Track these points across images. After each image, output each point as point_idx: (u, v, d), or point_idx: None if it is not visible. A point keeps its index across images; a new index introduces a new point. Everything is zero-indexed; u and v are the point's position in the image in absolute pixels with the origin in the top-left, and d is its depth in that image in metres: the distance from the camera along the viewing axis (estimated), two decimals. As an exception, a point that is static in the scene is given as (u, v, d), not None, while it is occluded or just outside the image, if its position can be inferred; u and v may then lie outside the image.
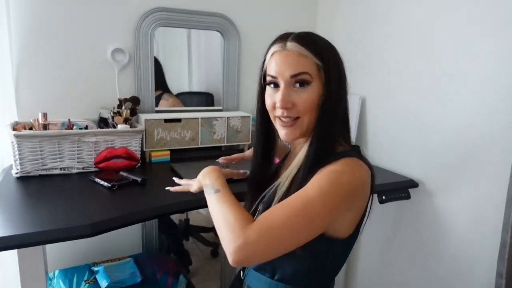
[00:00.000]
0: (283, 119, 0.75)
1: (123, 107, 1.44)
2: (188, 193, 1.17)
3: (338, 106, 0.75)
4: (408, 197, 1.39)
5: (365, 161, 0.75)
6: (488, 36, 1.17)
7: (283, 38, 0.75)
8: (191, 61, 1.77)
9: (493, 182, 1.18)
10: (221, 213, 0.71)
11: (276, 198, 0.75)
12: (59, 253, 1.51)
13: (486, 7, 1.16)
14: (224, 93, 1.75)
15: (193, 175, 1.27)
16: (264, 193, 0.83)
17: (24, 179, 1.22)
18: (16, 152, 1.20)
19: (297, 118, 0.75)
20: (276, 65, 0.74)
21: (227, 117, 1.60)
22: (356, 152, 0.77)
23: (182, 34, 1.70)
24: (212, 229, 2.25)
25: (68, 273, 1.37)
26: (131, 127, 1.41)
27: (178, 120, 1.51)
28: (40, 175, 1.26)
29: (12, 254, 1.18)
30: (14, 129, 1.24)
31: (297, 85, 0.73)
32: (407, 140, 1.46)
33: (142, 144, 1.44)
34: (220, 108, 1.77)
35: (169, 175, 1.34)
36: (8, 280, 1.34)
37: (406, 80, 1.46)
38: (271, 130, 0.84)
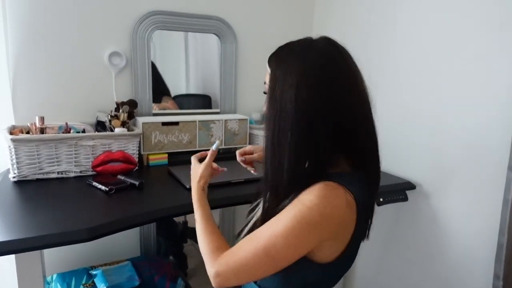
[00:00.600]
0: None
1: (120, 111, 1.44)
2: (182, 197, 1.18)
3: (274, 122, 0.67)
4: (405, 199, 1.39)
5: (352, 190, 0.65)
6: (489, 38, 1.18)
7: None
8: (188, 64, 1.77)
9: (489, 184, 1.19)
10: (199, 238, 0.79)
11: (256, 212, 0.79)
12: (57, 257, 1.51)
13: (492, 5, 1.16)
14: (222, 95, 1.75)
15: (190, 179, 1.28)
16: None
17: (22, 183, 1.22)
18: (13, 156, 1.20)
19: None
20: None
21: (225, 120, 1.60)
22: (348, 178, 0.68)
23: (179, 37, 1.70)
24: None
25: (66, 277, 1.36)
26: (128, 130, 1.41)
27: (176, 123, 1.51)
28: (38, 179, 1.25)
29: (9, 258, 1.18)
30: (11, 133, 1.24)
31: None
32: (404, 142, 1.46)
33: (139, 147, 1.44)
34: (218, 110, 1.77)
35: (166, 178, 1.35)
36: (6, 284, 1.34)
37: (403, 82, 1.46)
38: None
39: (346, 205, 0.64)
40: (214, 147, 0.93)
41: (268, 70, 0.74)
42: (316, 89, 0.65)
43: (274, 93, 0.68)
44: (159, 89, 1.67)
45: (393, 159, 1.50)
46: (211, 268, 0.70)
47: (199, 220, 0.82)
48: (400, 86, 1.47)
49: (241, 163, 1.06)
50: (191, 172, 0.96)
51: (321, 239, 0.65)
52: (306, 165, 0.66)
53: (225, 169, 1.02)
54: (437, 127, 1.34)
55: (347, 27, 1.72)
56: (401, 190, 1.39)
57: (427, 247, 1.41)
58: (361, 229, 0.71)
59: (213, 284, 0.70)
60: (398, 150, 1.48)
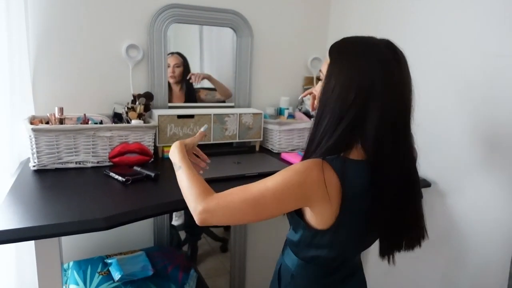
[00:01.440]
0: None
1: (137, 103, 1.45)
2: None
3: (326, 104, 0.77)
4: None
5: (335, 167, 0.74)
6: (504, 35, 1.15)
7: None
8: (203, 57, 1.78)
9: (507, 184, 1.17)
10: (185, 184, 0.85)
11: None
12: (73, 245, 1.54)
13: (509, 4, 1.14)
14: (236, 89, 1.76)
15: (205, 171, 1.29)
16: None
17: (41, 172, 1.25)
18: (34, 146, 1.23)
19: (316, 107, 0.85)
20: None
21: (239, 114, 1.61)
22: (342, 160, 0.76)
23: (194, 30, 1.71)
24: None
25: (82, 265, 1.40)
26: (144, 122, 1.43)
27: (191, 116, 1.52)
28: (56, 169, 1.28)
29: (29, 247, 1.21)
30: (31, 123, 1.27)
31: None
32: (419, 139, 1.44)
33: (155, 139, 1.46)
34: (232, 104, 1.77)
35: (181, 170, 1.36)
36: (24, 272, 1.38)
37: (419, 77, 1.44)
38: None
39: (320, 173, 0.73)
40: (202, 129, 1.01)
41: (327, 59, 0.81)
42: (364, 91, 0.73)
43: (329, 81, 0.77)
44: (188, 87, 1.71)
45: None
46: (199, 204, 0.77)
47: (184, 169, 0.88)
48: (416, 82, 1.45)
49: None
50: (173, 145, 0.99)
51: (302, 201, 0.76)
52: (326, 142, 0.76)
53: (207, 161, 1.07)
54: (454, 125, 1.32)
55: (364, 21, 1.70)
56: (415, 187, 1.38)
57: (440, 246, 1.40)
58: (354, 206, 0.76)
59: (196, 220, 0.78)
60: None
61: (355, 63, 0.75)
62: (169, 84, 1.65)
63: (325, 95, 0.78)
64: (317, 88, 0.85)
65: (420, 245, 0.87)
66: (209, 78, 1.75)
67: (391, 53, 0.76)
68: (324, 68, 0.82)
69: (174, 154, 0.95)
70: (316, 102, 0.85)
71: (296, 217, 0.82)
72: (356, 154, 0.78)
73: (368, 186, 0.75)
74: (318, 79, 0.86)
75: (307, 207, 0.78)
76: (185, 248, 2.08)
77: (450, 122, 1.34)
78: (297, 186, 0.73)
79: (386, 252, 0.85)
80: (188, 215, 2.03)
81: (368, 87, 0.73)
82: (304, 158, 0.81)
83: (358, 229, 0.80)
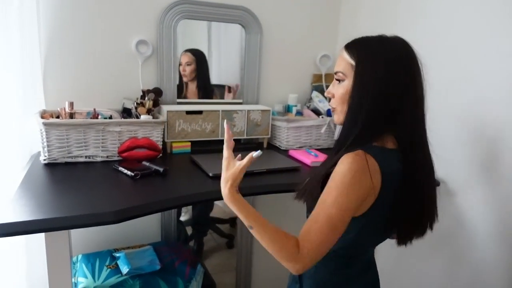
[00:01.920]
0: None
1: (146, 98, 1.46)
2: (205, 185, 1.20)
3: (361, 103, 0.81)
4: (428, 195, 1.37)
5: (377, 159, 0.78)
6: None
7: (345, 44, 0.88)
8: (211, 54, 1.78)
9: (518, 183, 1.16)
10: (266, 245, 0.78)
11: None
12: (82, 238, 1.56)
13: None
14: (245, 86, 1.76)
15: (213, 167, 1.30)
16: None
17: (51, 166, 1.26)
18: (44, 140, 1.25)
19: (335, 108, 0.89)
20: None
21: (247, 110, 1.61)
22: (379, 150, 0.80)
23: (202, 26, 1.71)
24: (228, 221, 2.27)
25: (90, 258, 1.41)
26: (153, 118, 1.44)
27: (200, 112, 1.53)
28: (66, 162, 1.30)
29: (39, 239, 1.23)
30: (42, 117, 1.28)
31: (337, 81, 0.87)
32: (428, 137, 1.44)
33: (163, 135, 1.47)
34: (240, 101, 1.77)
35: (189, 166, 1.37)
36: (34, 264, 1.40)
37: (429, 75, 1.43)
38: None
39: (363, 165, 0.76)
40: (255, 154, 0.84)
41: (346, 56, 0.84)
42: (399, 86, 0.81)
43: (362, 79, 0.81)
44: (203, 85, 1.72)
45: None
46: (296, 264, 0.75)
47: (255, 228, 0.80)
48: (428, 81, 1.44)
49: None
50: (223, 168, 0.88)
51: (360, 197, 0.77)
52: (359, 130, 0.81)
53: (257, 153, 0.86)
54: (463, 123, 1.31)
55: (374, 19, 1.69)
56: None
57: (449, 246, 1.39)
58: (388, 192, 0.80)
59: (294, 273, 0.77)
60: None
61: (387, 60, 0.80)
62: (185, 82, 1.67)
63: (360, 91, 0.81)
64: (337, 89, 0.86)
65: (432, 229, 0.92)
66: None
67: (412, 51, 0.85)
68: (344, 67, 0.84)
69: (232, 208, 0.85)
70: (342, 99, 0.85)
71: None
72: (389, 143, 0.84)
73: (400, 172, 0.81)
74: (337, 79, 0.86)
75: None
76: (191, 243, 2.09)
77: (458, 120, 1.32)
78: (357, 195, 0.76)
79: (406, 238, 0.90)
80: (195, 212, 2.04)
81: (401, 82, 0.80)
82: (339, 149, 0.83)
83: (386, 215, 0.84)
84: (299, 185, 0.90)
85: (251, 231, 0.81)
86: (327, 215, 0.75)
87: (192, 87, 1.70)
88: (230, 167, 0.85)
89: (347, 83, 0.84)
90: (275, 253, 0.77)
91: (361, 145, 0.79)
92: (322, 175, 0.82)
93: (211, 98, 1.75)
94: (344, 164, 0.76)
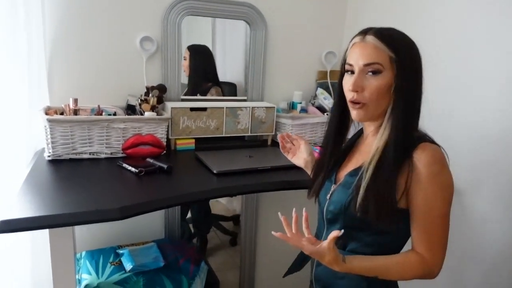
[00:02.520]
0: (353, 102, 0.84)
1: (150, 95, 1.46)
2: (210, 182, 1.19)
3: (414, 96, 0.82)
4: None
5: (436, 143, 0.83)
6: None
7: (364, 31, 0.83)
8: (215, 51, 1.77)
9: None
10: (403, 279, 0.83)
11: (364, 183, 0.81)
12: (85, 235, 1.56)
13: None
14: (249, 83, 1.75)
15: (217, 164, 1.29)
16: (337, 174, 0.94)
17: (56, 162, 1.26)
18: (49, 136, 1.24)
19: (364, 103, 0.83)
20: (354, 54, 0.82)
21: (252, 107, 1.60)
22: (427, 136, 0.84)
23: (206, 23, 1.70)
24: (231, 218, 2.27)
25: (94, 255, 1.41)
26: (157, 114, 1.43)
27: (204, 109, 1.52)
28: (71, 159, 1.29)
29: (44, 236, 1.23)
30: (46, 114, 1.28)
31: (370, 73, 0.80)
32: (433, 136, 1.42)
33: (168, 131, 1.46)
34: (244, 98, 1.77)
35: (194, 163, 1.37)
36: (39, 260, 1.40)
37: (435, 74, 1.42)
38: (346, 113, 0.90)
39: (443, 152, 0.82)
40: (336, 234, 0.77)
41: (382, 47, 0.80)
42: (421, 72, 0.84)
43: (409, 71, 0.81)
44: (211, 76, 1.71)
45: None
46: (432, 275, 0.82)
47: (382, 272, 0.81)
48: (435, 80, 1.43)
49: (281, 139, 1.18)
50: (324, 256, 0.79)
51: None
52: (413, 131, 0.83)
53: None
54: (468, 121, 1.29)
55: (381, 16, 1.68)
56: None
57: (455, 248, 1.37)
58: None
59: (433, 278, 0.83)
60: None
61: (417, 51, 0.83)
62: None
63: (410, 84, 0.81)
64: (371, 82, 0.81)
65: None
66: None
67: None
68: (382, 59, 0.79)
69: (346, 269, 0.80)
70: (380, 93, 0.81)
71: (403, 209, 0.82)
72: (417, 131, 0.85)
73: None
74: (374, 72, 0.81)
75: None
76: (194, 241, 2.09)
77: (464, 118, 1.31)
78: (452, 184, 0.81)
79: None
80: (194, 210, 2.04)
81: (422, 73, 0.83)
82: (400, 143, 0.80)
83: None
84: (358, 198, 0.81)
85: (380, 278, 0.82)
86: (442, 216, 0.79)
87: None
88: (323, 252, 0.77)
89: (387, 76, 0.79)
90: (410, 279, 0.81)
91: (415, 137, 0.81)
92: (394, 180, 0.78)
93: (205, 95, 1.74)
94: (430, 158, 0.77)
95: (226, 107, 1.56)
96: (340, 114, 0.92)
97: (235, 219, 2.23)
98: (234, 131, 1.60)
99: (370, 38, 0.80)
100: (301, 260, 1.04)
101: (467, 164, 1.32)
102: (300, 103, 1.77)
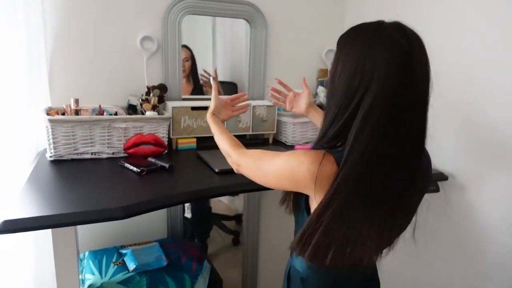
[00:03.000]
0: None
1: (151, 94, 1.46)
2: (211, 181, 1.19)
3: (330, 94, 0.77)
4: (436, 190, 1.36)
5: (336, 156, 0.72)
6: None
7: None
8: (216, 50, 1.77)
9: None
10: (220, 141, 1.04)
11: None
12: (88, 235, 1.56)
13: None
14: (250, 82, 1.75)
15: (219, 163, 1.29)
16: None
17: (58, 163, 1.26)
18: (50, 136, 1.24)
19: None
20: None
21: (253, 106, 1.60)
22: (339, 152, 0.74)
23: (207, 22, 1.70)
24: (233, 218, 2.27)
25: (97, 254, 1.41)
26: (158, 114, 1.43)
27: (205, 108, 1.52)
28: (72, 159, 1.29)
29: (47, 236, 1.23)
30: (47, 114, 1.28)
31: None
32: (437, 130, 1.42)
33: (169, 131, 1.46)
34: (246, 97, 1.76)
35: (195, 162, 1.37)
36: (42, 259, 1.40)
37: (438, 68, 1.41)
38: None
39: (313, 164, 0.72)
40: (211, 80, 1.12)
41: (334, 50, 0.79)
42: (367, 73, 0.69)
43: (335, 68, 0.75)
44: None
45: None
46: (234, 157, 0.96)
47: (215, 130, 1.08)
48: (435, 71, 1.42)
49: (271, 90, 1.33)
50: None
51: (296, 187, 0.77)
52: (331, 130, 0.76)
53: (246, 97, 1.27)
54: (474, 114, 1.29)
55: (381, 13, 1.67)
56: (432, 180, 1.36)
57: (459, 242, 1.37)
58: None
59: (233, 167, 0.97)
60: (429, 138, 1.43)
61: (360, 47, 0.71)
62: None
63: (332, 83, 0.76)
64: None
65: None
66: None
67: (403, 38, 0.70)
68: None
69: (208, 121, 1.15)
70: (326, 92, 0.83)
71: (303, 209, 0.81)
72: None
73: None
74: None
75: (306, 193, 0.77)
76: (196, 240, 2.09)
77: (470, 111, 1.31)
78: (290, 172, 0.76)
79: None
80: (194, 209, 2.04)
81: (371, 69, 0.68)
82: (313, 147, 0.81)
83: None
84: None
85: (214, 136, 1.06)
86: (265, 163, 0.85)
87: (183, 82, 1.69)
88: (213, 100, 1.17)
89: None
90: (224, 148, 1.01)
91: (329, 145, 0.80)
92: None
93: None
94: (300, 153, 0.79)
95: (227, 106, 1.55)
96: None
97: (237, 218, 2.23)
98: (235, 130, 1.59)
99: None
100: None
101: (468, 159, 1.31)
102: (301, 101, 1.77)
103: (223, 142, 1.01)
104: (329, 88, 0.78)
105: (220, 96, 1.22)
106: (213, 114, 1.16)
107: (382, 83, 0.68)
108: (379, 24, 0.74)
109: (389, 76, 0.68)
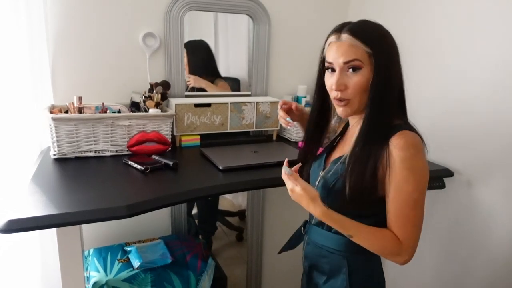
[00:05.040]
0: (338, 99, 0.86)
1: (154, 92, 1.45)
2: (215, 178, 1.19)
3: (388, 88, 0.82)
4: (442, 186, 1.35)
5: (416, 131, 0.84)
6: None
7: (338, 29, 0.86)
8: (218, 46, 1.76)
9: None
10: (369, 248, 0.83)
11: (344, 170, 0.85)
12: (93, 232, 1.56)
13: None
14: (253, 78, 1.74)
15: (223, 160, 1.29)
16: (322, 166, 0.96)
17: (61, 161, 1.26)
18: (54, 135, 1.24)
19: (349, 100, 0.85)
20: (332, 53, 0.85)
21: (257, 102, 1.59)
22: (408, 125, 0.85)
23: (209, 18, 1.69)
24: (237, 214, 2.27)
25: (102, 252, 1.42)
26: (162, 111, 1.42)
27: (208, 105, 1.51)
28: (76, 157, 1.29)
29: (52, 234, 1.23)
30: (51, 112, 1.28)
31: (350, 70, 0.83)
32: (443, 126, 1.41)
33: (172, 128, 1.46)
34: (248, 93, 1.76)
35: (199, 159, 1.36)
36: (48, 258, 1.41)
37: (443, 64, 1.40)
38: (326, 106, 0.96)
39: (420, 140, 0.83)
40: (288, 171, 0.87)
41: (357, 43, 0.81)
42: (398, 61, 0.86)
43: (384, 61, 0.82)
44: (210, 70, 1.70)
45: (429, 144, 1.44)
46: (402, 257, 0.81)
47: (357, 234, 0.83)
48: (441, 69, 1.41)
49: (280, 111, 1.11)
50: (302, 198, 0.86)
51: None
52: (390, 120, 0.84)
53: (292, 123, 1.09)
54: (480, 109, 1.28)
55: (384, 8, 1.65)
56: (438, 177, 1.35)
57: (465, 239, 1.36)
58: None
59: (402, 264, 0.83)
60: (435, 134, 1.43)
61: (393, 41, 0.85)
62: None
63: (387, 78, 0.82)
64: (353, 79, 0.83)
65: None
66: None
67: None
68: (360, 55, 0.81)
69: (330, 223, 0.85)
70: (362, 88, 0.83)
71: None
72: (398, 120, 0.86)
73: None
74: (354, 68, 0.83)
75: None
76: (201, 237, 2.09)
77: (475, 106, 1.29)
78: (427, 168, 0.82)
79: None
80: (200, 206, 2.04)
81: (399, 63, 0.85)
82: (371, 133, 0.83)
83: None
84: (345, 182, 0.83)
85: (353, 239, 0.84)
86: (413, 202, 0.79)
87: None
88: (306, 186, 0.84)
89: (366, 71, 0.82)
90: (379, 253, 0.83)
91: (392, 127, 0.82)
92: (368, 167, 0.81)
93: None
94: (403, 144, 0.78)
95: (231, 103, 1.55)
96: (319, 109, 0.97)
97: (241, 214, 2.22)
98: (239, 126, 1.59)
99: (345, 36, 0.83)
100: (295, 239, 1.08)
101: (475, 155, 1.30)
102: (305, 97, 1.76)
103: (372, 243, 0.83)
104: (388, 81, 0.83)
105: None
106: (317, 201, 0.83)
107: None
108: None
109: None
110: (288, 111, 1.11)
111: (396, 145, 0.79)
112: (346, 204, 0.83)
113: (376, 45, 0.81)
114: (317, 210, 0.82)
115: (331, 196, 0.88)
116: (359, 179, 0.81)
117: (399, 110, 0.88)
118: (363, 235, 0.82)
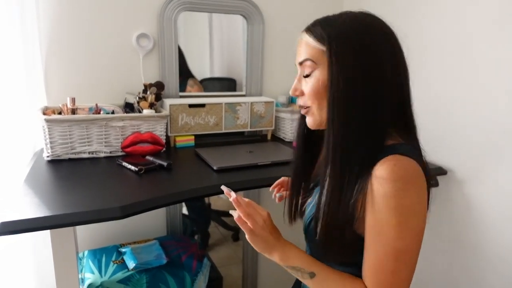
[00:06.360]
0: (299, 107, 0.75)
1: (148, 92, 1.45)
2: (210, 178, 1.19)
3: (357, 95, 0.64)
4: (436, 184, 1.36)
5: (416, 155, 0.65)
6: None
7: (305, 27, 0.74)
8: (213, 46, 1.76)
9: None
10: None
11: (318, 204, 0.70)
12: (87, 234, 1.56)
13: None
14: (248, 78, 1.74)
15: (217, 160, 1.29)
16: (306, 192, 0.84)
17: (55, 163, 1.25)
18: (47, 136, 1.24)
19: (309, 107, 0.72)
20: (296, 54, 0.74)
21: (251, 102, 1.59)
22: (407, 146, 0.66)
23: (203, 19, 1.69)
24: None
25: (97, 253, 1.41)
26: (156, 112, 1.42)
27: (202, 105, 1.51)
28: (70, 159, 1.29)
29: (45, 236, 1.23)
30: (44, 114, 1.27)
31: (305, 72, 0.71)
32: (435, 125, 1.42)
33: (167, 129, 1.45)
34: (243, 93, 1.76)
35: (194, 160, 1.36)
36: (41, 260, 1.40)
37: (437, 63, 1.41)
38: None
39: (417, 167, 0.63)
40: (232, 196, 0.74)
41: (311, 41, 0.69)
42: (373, 68, 0.65)
43: (346, 71, 0.65)
44: (183, 73, 1.67)
45: (422, 142, 1.46)
46: None
47: (320, 274, 0.69)
48: (434, 67, 1.42)
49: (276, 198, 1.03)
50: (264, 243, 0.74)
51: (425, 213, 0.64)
52: (370, 139, 0.65)
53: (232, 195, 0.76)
54: (472, 108, 1.29)
55: (378, 8, 1.66)
56: (431, 175, 1.35)
57: (459, 237, 1.37)
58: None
59: None
60: (428, 133, 1.43)
61: (373, 40, 0.67)
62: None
63: (347, 76, 0.64)
64: (307, 83, 0.70)
65: None
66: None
67: (383, 24, 0.72)
68: (312, 54, 0.68)
69: (286, 261, 0.72)
70: (318, 93, 0.68)
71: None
72: (395, 139, 0.67)
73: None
74: (308, 70, 0.70)
75: None
76: (196, 237, 2.09)
77: (468, 105, 1.30)
78: (425, 206, 0.64)
79: None
80: (192, 205, 2.04)
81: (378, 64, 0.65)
82: (336, 159, 0.65)
83: None
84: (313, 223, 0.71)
85: (312, 281, 0.68)
86: (395, 251, 0.61)
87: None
88: (257, 218, 0.72)
89: (319, 73, 0.68)
90: None
91: (378, 149, 0.64)
92: (350, 205, 0.64)
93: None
94: (387, 174, 0.60)
95: (225, 103, 1.55)
96: (305, 125, 0.78)
97: (237, 214, 2.22)
98: (234, 126, 1.59)
99: (303, 34, 0.72)
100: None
101: (467, 153, 1.31)
102: (299, 97, 1.76)
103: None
104: (345, 92, 0.65)
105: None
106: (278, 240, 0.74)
107: None
108: (351, 13, 0.75)
109: None
110: (282, 185, 1.02)
111: (378, 176, 0.61)
112: (320, 249, 0.70)
113: (333, 41, 0.65)
114: (275, 255, 0.70)
115: (308, 238, 0.75)
116: (330, 218, 0.66)
117: (399, 125, 0.69)
118: (322, 279, 0.67)
